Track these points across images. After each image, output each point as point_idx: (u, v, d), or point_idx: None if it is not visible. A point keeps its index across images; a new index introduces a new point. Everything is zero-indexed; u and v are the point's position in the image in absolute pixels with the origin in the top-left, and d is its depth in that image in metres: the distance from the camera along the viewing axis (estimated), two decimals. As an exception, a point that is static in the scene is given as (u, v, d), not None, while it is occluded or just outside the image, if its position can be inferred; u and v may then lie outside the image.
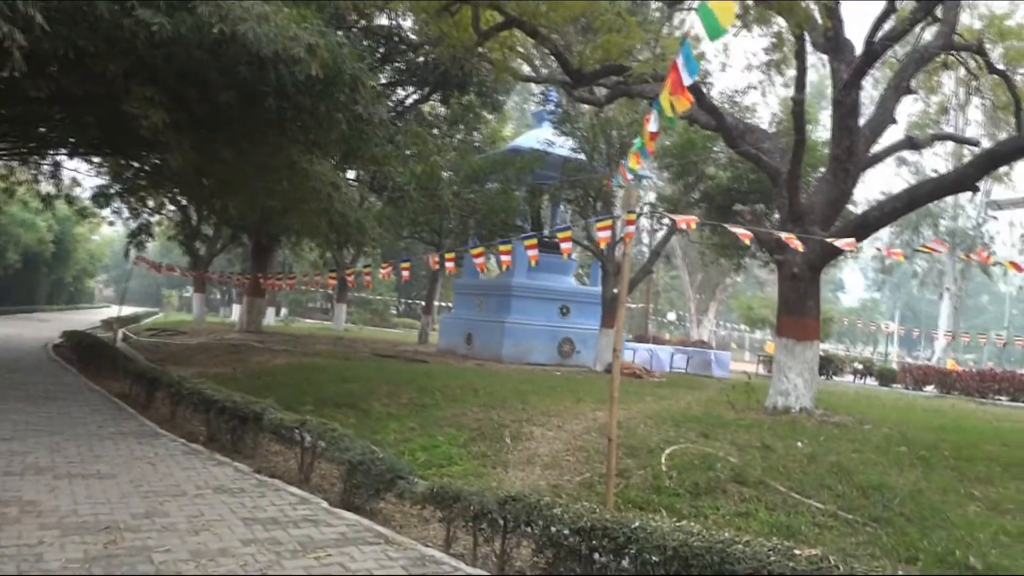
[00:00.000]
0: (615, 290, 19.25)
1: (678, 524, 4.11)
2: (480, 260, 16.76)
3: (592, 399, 10.53)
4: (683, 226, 7.69)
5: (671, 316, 52.07)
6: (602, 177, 18.23)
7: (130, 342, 20.39)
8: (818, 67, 24.50)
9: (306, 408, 9.80)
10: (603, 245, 17.53)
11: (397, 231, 23.57)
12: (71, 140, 14.88)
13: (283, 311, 48.46)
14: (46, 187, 18.82)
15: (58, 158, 18.42)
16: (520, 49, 16.94)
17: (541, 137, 20.92)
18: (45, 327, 26.82)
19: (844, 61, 10.47)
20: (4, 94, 12.34)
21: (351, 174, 20.04)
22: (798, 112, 10.15)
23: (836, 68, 10.57)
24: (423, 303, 33.57)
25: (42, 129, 14.81)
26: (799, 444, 7.78)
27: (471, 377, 12.85)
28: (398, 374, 12.81)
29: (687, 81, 5.15)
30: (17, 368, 13.30)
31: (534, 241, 12.39)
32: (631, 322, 41.78)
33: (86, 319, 34.60)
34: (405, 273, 16.83)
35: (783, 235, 8.00)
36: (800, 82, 10.07)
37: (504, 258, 13.63)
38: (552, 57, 14.41)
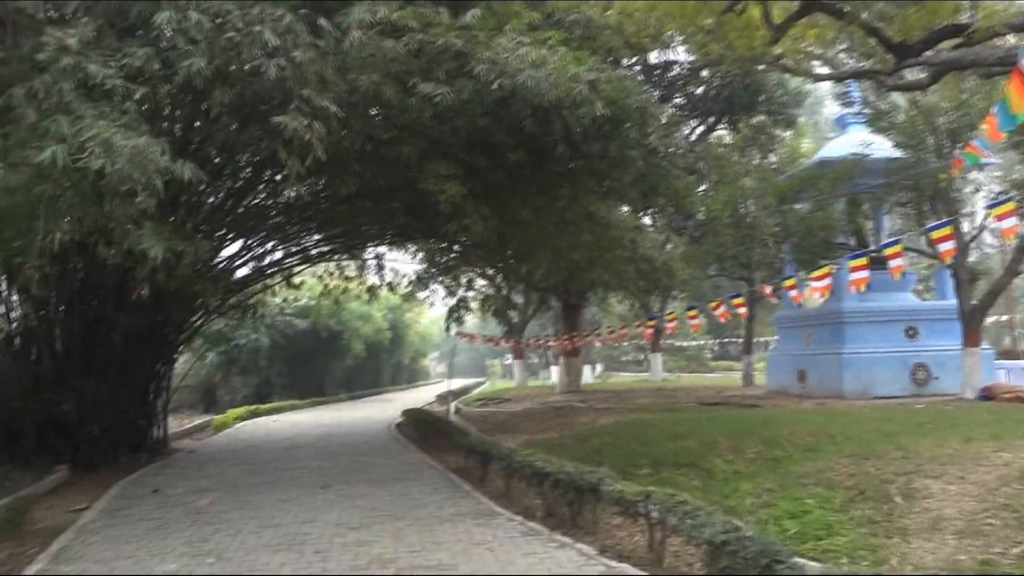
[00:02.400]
0: (973, 301, 16.28)
1: None
2: (794, 293, 15.07)
3: (985, 436, 8.41)
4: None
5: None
6: (938, 171, 15.59)
7: (462, 414, 21.22)
8: None
9: (642, 472, 8.97)
10: (948, 258, 14.87)
11: (703, 270, 22.33)
12: (386, 231, 15.91)
13: (598, 368, 48.81)
14: (372, 279, 20.46)
15: (378, 250, 20.06)
16: (810, 50, 15.26)
17: (850, 143, 18.65)
18: (389, 407, 29.19)
19: None
20: (323, 198, 13.48)
21: (647, 220, 19.42)
22: None
23: None
24: (741, 342, 31.77)
25: (362, 227, 16.07)
26: None
27: (818, 420, 11.17)
28: (734, 424, 11.52)
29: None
30: (365, 450, 14.10)
31: (864, 261, 10.58)
32: (990, 336, 35.87)
33: (423, 396, 37.39)
34: (720, 311, 15.73)
35: None
36: None
37: (820, 284, 11.91)
38: (844, 55, 12.71)
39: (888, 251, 7.34)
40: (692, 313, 19.56)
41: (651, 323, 16.50)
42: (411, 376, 61.07)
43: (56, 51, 6.26)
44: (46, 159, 5.69)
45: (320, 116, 6.99)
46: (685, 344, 50.00)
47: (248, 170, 12.74)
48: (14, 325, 12.60)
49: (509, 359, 71.07)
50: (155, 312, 13.41)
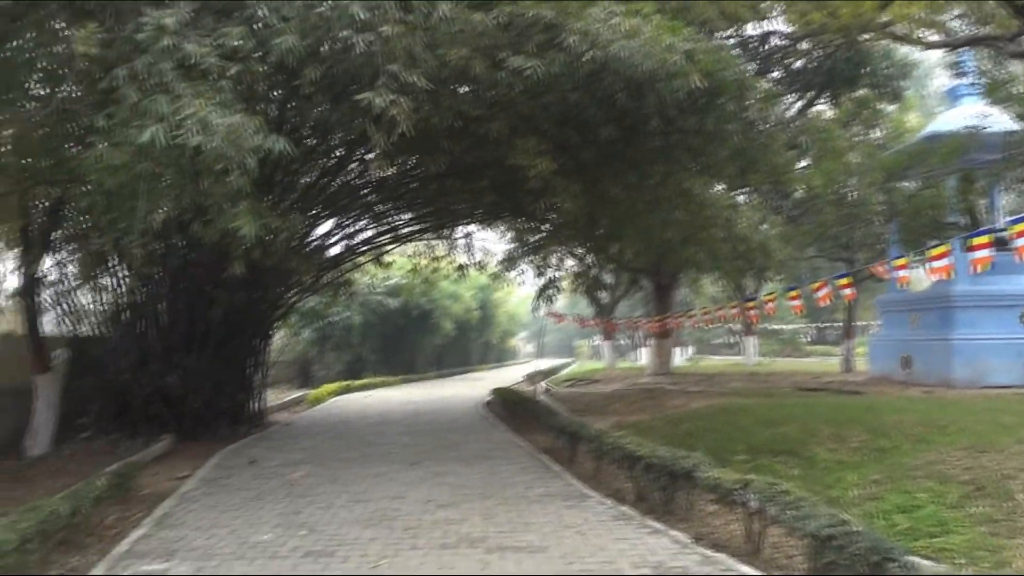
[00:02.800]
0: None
1: None
2: (903, 273, 14.25)
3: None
4: None
5: None
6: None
7: (551, 394, 21.15)
8: None
9: (738, 458, 8.66)
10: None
11: (800, 250, 21.48)
12: (475, 210, 15.89)
13: (689, 350, 47.97)
14: (461, 258, 20.53)
15: (468, 229, 20.09)
16: (921, 16, 14.32)
17: (963, 116, 17.47)
18: (478, 385, 29.40)
19: None
20: (413, 176, 13.51)
21: (741, 198, 18.76)
22: None
23: None
24: (839, 326, 30.55)
25: (451, 206, 16.09)
26: None
27: (927, 409, 10.55)
28: (835, 411, 11.01)
29: None
30: (455, 428, 14.18)
31: (987, 239, 9.89)
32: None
33: (511, 375, 37.53)
34: (823, 292, 15.01)
35: None
36: None
37: (939, 264, 11.25)
38: (957, 21, 11.82)
39: (1015, 229, 6.75)
40: (794, 294, 18.75)
41: (751, 304, 15.86)
42: (499, 355, 61.43)
43: (155, 32, 6.38)
44: (147, 139, 5.82)
45: (407, 92, 6.91)
46: (780, 328, 48.54)
47: (340, 149, 12.89)
48: (123, 300, 13.16)
49: (597, 340, 70.74)
50: (252, 289, 13.79)
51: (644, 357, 46.41)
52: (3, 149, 9.23)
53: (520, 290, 55.53)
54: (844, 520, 4.67)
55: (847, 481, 7.05)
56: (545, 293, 16.53)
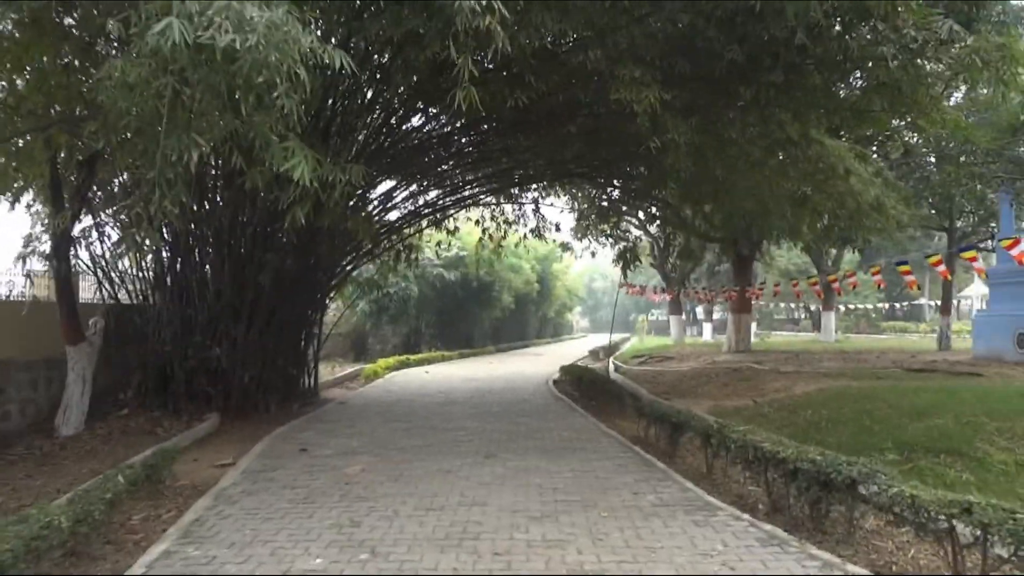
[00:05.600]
0: None
1: None
2: (1019, 250, 12.34)
3: None
4: None
5: None
6: None
7: (623, 372, 19.54)
8: None
9: (888, 458, 7.07)
10: None
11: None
12: (548, 169, 14.28)
13: (753, 326, 45.86)
14: (528, 226, 18.99)
15: (535, 195, 18.51)
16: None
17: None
18: (540, 361, 27.98)
19: None
20: (486, 129, 11.95)
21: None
22: None
23: None
24: (923, 303, 28.30)
25: (524, 164, 14.49)
26: None
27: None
28: (985, 398, 9.26)
29: None
30: (526, 410, 12.73)
31: None
32: None
33: (572, 350, 36.02)
34: (910, 278, 13.30)
35: None
36: None
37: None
38: None
39: None
40: (875, 268, 17.01)
41: (851, 272, 14.12)
42: (556, 330, 60.01)
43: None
44: (160, 34, 4.38)
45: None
46: (856, 305, 46.08)
47: (405, 91, 11.34)
48: (166, 265, 11.98)
49: (654, 314, 68.68)
50: (305, 253, 12.49)
51: (708, 333, 44.62)
52: (21, 82, 8.01)
53: (576, 265, 53.86)
54: None
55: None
56: (626, 256, 14.88)
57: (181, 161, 5.00)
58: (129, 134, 5.87)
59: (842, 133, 11.79)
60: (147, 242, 6.91)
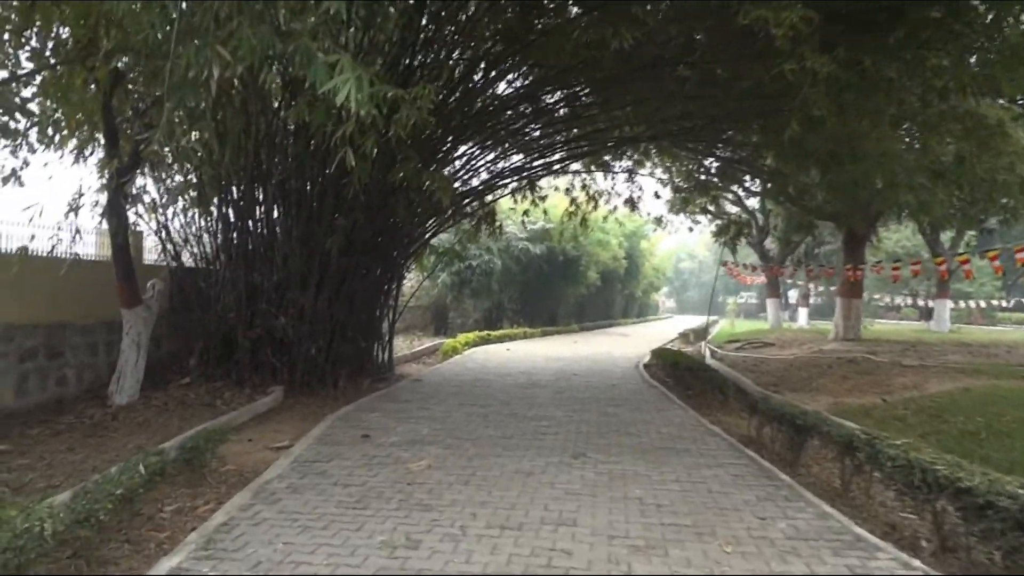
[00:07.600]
0: None
1: None
2: None
3: None
4: None
5: None
6: None
7: (720, 358, 17.98)
8: None
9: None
10: None
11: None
12: (649, 128, 12.80)
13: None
14: (618, 198, 17.60)
15: (629, 164, 17.07)
16: None
17: None
18: (627, 342, 26.55)
19: None
20: (577, 85, 10.60)
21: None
22: None
23: None
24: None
25: (615, 131, 13.07)
26: None
27: None
28: None
29: None
30: (617, 398, 11.45)
31: None
32: None
33: (660, 332, 34.41)
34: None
35: None
36: None
37: None
38: None
39: None
40: (993, 253, 14.94)
41: (994, 253, 12.25)
42: (641, 310, 58.16)
43: None
44: None
45: None
46: (971, 292, 42.74)
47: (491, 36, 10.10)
48: (231, 226, 11.16)
49: (743, 297, 65.80)
50: (380, 216, 11.47)
51: (803, 318, 42.10)
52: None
53: (665, 243, 51.81)
54: None
55: None
56: (730, 231, 13.33)
57: (200, 78, 3.90)
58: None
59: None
60: (185, 194, 5.88)
